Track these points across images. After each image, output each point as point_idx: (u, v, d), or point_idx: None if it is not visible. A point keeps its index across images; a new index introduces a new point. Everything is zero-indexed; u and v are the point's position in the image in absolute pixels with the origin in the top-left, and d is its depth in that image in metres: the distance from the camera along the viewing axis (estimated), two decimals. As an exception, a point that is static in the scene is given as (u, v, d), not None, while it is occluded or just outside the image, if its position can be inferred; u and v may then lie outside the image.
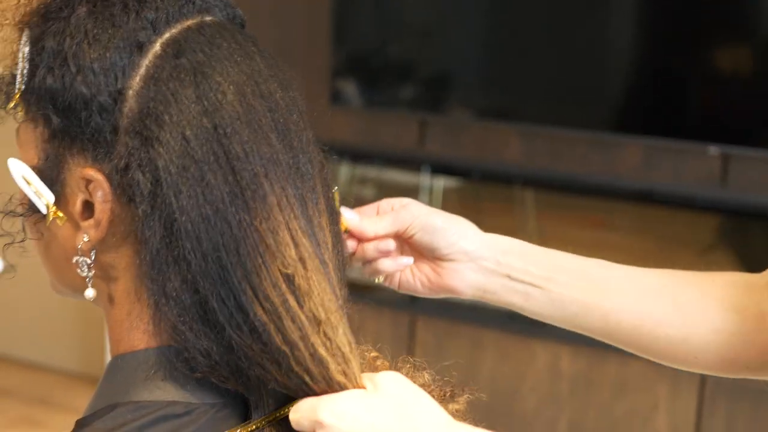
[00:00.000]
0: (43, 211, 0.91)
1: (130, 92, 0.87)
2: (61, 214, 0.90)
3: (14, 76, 0.93)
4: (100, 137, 0.87)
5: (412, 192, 3.70)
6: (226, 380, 0.87)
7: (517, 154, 3.28)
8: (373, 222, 1.14)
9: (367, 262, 1.16)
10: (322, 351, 0.86)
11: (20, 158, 0.93)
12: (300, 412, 0.86)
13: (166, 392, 0.89)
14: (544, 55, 3.23)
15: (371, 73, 3.52)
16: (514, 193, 3.56)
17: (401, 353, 0.92)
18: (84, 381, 4.21)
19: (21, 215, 0.93)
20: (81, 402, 4.10)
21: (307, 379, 0.85)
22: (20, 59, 0.92)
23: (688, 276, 1.20)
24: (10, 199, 0.94)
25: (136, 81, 0.87)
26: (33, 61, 0.90)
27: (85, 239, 0.89)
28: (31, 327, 4.42)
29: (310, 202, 0.91)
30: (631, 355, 3.28)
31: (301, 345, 0.85)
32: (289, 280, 0.85)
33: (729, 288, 1.17)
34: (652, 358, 1.21)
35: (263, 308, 0.84)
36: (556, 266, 1.17)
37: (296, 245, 0.86)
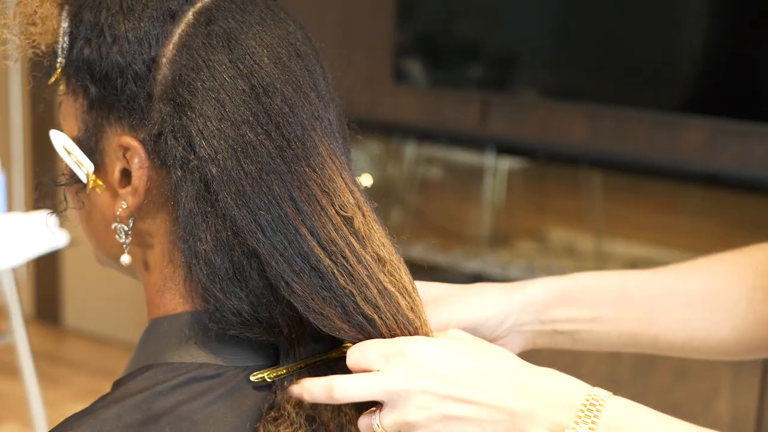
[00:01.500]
0: (84, 180, 0.93)
1: (164, 60, 0.89)
2: (100, 183, 0.92)
3: (55, 52, 0.96)
4: (135, 105, 0.89)
5: (476, 173, 3.69)
6: (259, 335, 0.90)
7: (582, 135, 3.25)
8: None
9: None
10: (390, 287, 0.88)
11: (63, 130, 0.95)
12: (366, 347, 0.87)
13: (198, 355, 0.91)
14: (612, 33, 3.20)
15: (437, 51, 3.51)
16: (581, 174, 3.53)
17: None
18: (150, 355, 4.27)
19: (63, 185, 0.96)
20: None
21: (375, 317, 0.88)
22: (60, 35, 0.94)
23: (730, 266, 1.14)
24: (54, 170, 0.97)
25: (169, 49, 0.89)
26: (72, 34, 0.92)
27: (124, 206, 0.91)
28: (99, 301, 4.49)
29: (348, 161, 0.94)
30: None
31: (369, 282, 0.87)
32: (350, 223, 0.88)
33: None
34: (709, 358, 1.17)
35: (326, 251, 0.87)
36: (599, 301, 1.10)
37: (351, 192, 0.90)
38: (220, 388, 0.89)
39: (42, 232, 2.68)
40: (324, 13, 3.66)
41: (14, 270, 2.73)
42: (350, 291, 0.87)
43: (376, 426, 0.86)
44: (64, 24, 0.93)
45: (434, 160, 3.79)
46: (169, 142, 0.88)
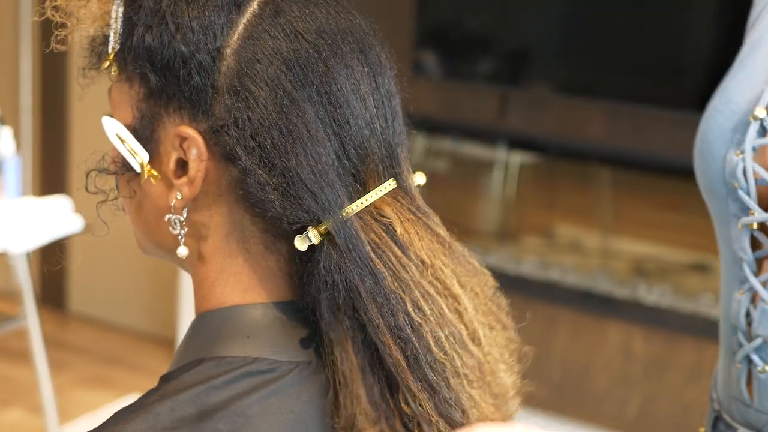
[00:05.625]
0: (137, 169, 0.91)
1: (228, 51, 0.87)
2: (155, 173, 0.90)
3: (107, 37, 0.93)
4: (197, 96, 0.87)
5: (487, 167, 3.68)
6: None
7: (598, 131, 3.24)
8: None
9: None
10: (432, 291, 0.89)
11: (113, 117, 0.93)
12: None
13: (251, 349, 0.89)
14: (623, 30, 3.19)
15: (452, 44, 3.50)
16: (592, 171, 3.52)
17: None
18: (155, 342, 4.25)
19: (114, 173, 0.93)
20: (152, 362, 4.13)
21: (418, 319, 0.87)
22: (113, 19, 0.92)
23: None
24: (103, 157, 0.94)
25: (234, 39, 0.87)
26: (130, 20, 0.90)
27: (179, 197, 0.89)
28: (106, 287, 4.48)
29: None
30: (708, 338, 3.24)
31: (412, 286, 0.88)
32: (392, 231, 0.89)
33: None
34: None
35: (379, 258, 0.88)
36: None
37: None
38: (274, 384, 0.88)
39: (55, 217, 2.66)
40: (341, 2, 3.64)
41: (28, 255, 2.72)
42: (399, 295, 0.87)
43: None
44: (119, 8, 0.91)
45: (443, 153, 3.79)
46: (232, 134, 0.86)
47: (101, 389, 3.85)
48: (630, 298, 3.25)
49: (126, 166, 0.92)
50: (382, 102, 0.91)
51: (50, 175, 4.55)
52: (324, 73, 0.87)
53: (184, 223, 0.91)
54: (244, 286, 0.91)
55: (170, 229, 0.92)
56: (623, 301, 3.25)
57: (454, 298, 0.90)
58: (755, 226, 1.16)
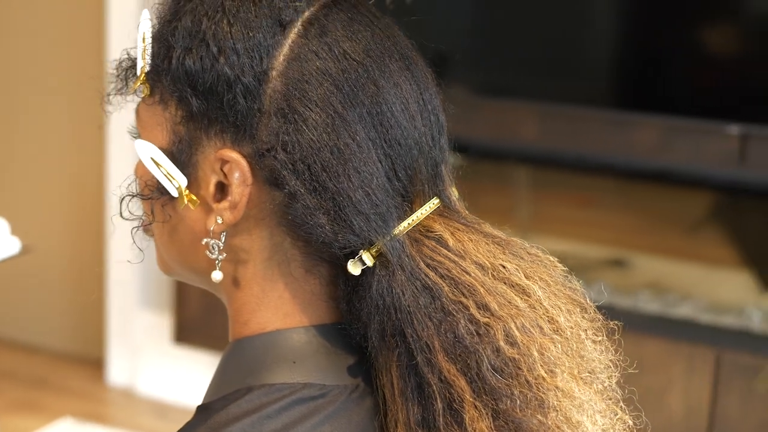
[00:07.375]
0: (174, 194, 0.88)
1: (274, 73, 0.85)
2: (194, 198, 0.88)
3: (133, 59, 0.91)
4: (242, 120, 0.85)
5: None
6: None
7: (532, 133, 3.27)
8: None
9: None
10: (498, 285, 0.87)
11: (144, 138, 0.90)
12: None
13: (299, 374, 0.87)
14: (546, 29, 3.23)
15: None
16: (507, 171, 3.55)
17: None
18: (81, 363, 4.16)
19: (148, 198, 0.90)
20: (78, 384, 4.01)
21: (485, 320, 0.85)
22: (141, 38, 0.89)
23: None
24: (135, 180, 0.92)
25: (279, 61, 0.85)
26: (166, 41, 0.88)
27: (219, 221, 0.87)
28: (28, 308, 4.38)
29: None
30: (647, 334, 3.28)
31: (476, 286, 0.86)
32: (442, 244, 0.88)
33: None
34: None
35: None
36: None
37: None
38: (326, 409, 0.86)
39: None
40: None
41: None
42: (463, 302, 0.85)
43: None
44: (146, 28, 0.89)
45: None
46: (280, 158, 0.84)
47: (30, 414, 3.76)
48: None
49: (161, 191, 0.89)
50: (430, 119, 0.90)
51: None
52: (374, 93, 0.86)
53: (222, 248, 0.89)
54: (286, 310, 0.90)
55: (207, 253, 0.89)
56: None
57: (523, 290, 0.88)
58: None
